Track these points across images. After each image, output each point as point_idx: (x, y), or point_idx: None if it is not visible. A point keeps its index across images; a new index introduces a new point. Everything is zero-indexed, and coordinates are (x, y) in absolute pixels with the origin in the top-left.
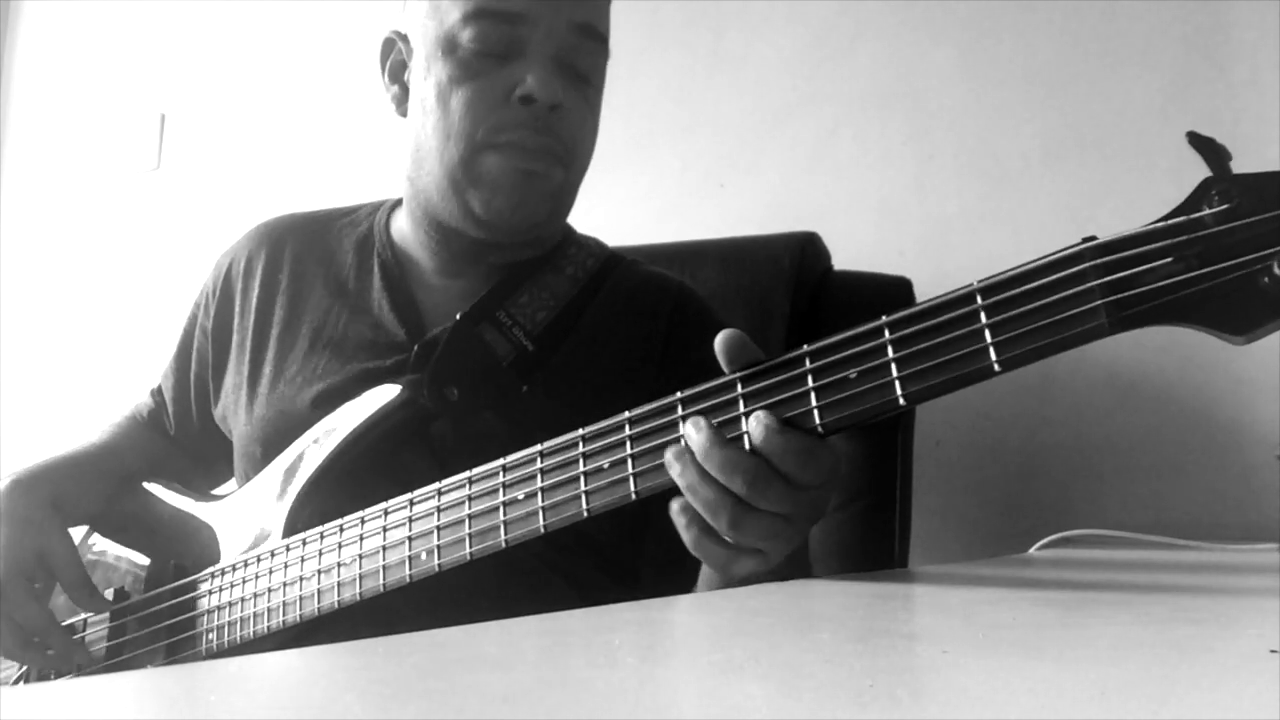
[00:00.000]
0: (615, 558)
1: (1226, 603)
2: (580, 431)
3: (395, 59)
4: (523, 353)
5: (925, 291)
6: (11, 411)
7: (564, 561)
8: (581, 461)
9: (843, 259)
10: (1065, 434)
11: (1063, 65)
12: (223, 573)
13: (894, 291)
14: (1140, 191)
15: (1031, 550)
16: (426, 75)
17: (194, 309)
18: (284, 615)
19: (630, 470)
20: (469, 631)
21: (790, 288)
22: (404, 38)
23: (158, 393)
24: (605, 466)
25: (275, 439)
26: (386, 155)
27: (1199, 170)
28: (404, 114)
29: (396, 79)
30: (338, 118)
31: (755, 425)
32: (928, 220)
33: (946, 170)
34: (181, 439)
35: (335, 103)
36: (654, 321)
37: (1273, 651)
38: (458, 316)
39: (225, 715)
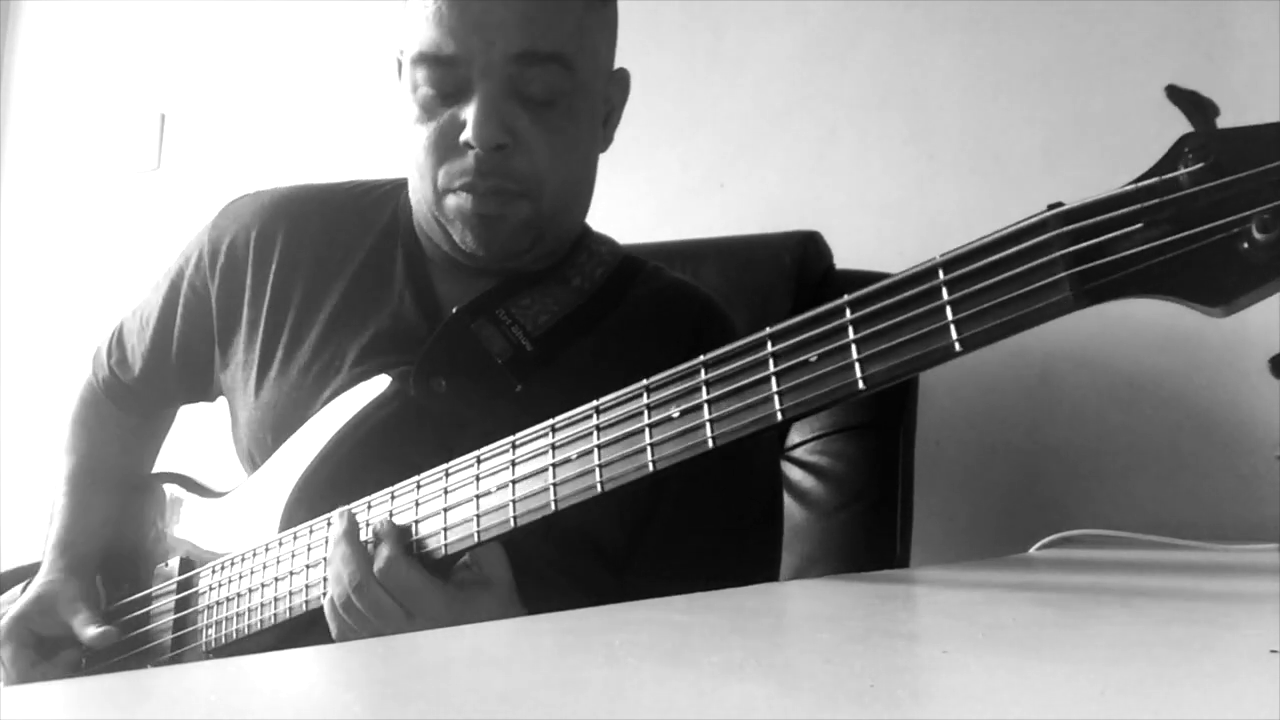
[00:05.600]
0: (614, 554)
1: (1226, 603)
2: (550, 421)
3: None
4: (520, 352)
5: None
6: (12, 411)
7: (565, 559)
8: (551, 453)
9: (843, 258)
10: (1065, 434)
11: (1063, 65)
12: (221, 567)
13: None
14: None
15: (1031, 550)
16: (405, 108)
17: (181, 263)
18: (275, 609)
19: (597, 461)
20: (469, 631)
21: (791, 287)
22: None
23: (114, 349)
24: (573, 457)
25: (284, 427)
26: (387, 155)
27: None
28: None
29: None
30: (338, 117)
31: (377, 558)
32: (928, 220)
33: (946, 170)
34: (142, 388)
35: (336, 102)
36: (676, 340)
37: (1273, 651)
38: (454, 310)
39: (225, 715)
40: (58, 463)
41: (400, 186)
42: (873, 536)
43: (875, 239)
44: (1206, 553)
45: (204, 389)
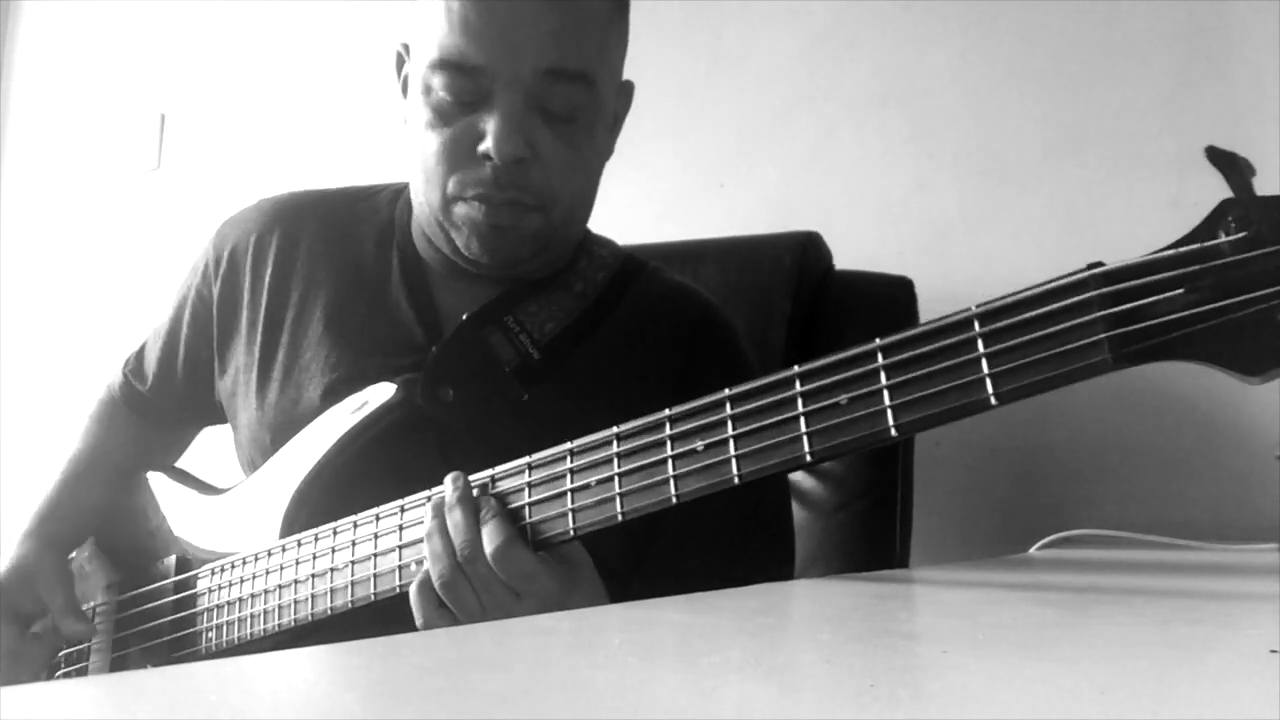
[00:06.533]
0: (613, 566)
1: (1226, 603)
2: (568, 445)
3: (406, 73)
4: (528, 361)
5: (926, 291)
6: (12, 411)
7: None
8: (569, 478)
9: (843, 259)
10: (1065, 434)
11: (1063, 65)
12: (221, 570)
13: (896, 291)
14: (1140, 191)
15: (1031, 550)
16: (412, 108)
17: (190, 275)
18: (279, 619)
19: (617, 490)
20: (469, 631)
21: (792, 287)
22: (409, 50)
23: (133, 359)
24: (592, 484)
25: (285, 428)
26: (388, 155)
27: (1200, 170)
28: None
29: (407, 93)
30: (339, 117)
31: (488, 536)
32: (928, 220)
33: (946, 170)
34: (155, 399)
35: (336, 102)
36: (674, 343)
37: (1273, 651)
38: (464, 317)
39: (225, 715)
40: (63, 448)
41: (398, 192)
42: (873, 536)
43: (875, 239)
44: (1206, 553)
45: (208, 406)
